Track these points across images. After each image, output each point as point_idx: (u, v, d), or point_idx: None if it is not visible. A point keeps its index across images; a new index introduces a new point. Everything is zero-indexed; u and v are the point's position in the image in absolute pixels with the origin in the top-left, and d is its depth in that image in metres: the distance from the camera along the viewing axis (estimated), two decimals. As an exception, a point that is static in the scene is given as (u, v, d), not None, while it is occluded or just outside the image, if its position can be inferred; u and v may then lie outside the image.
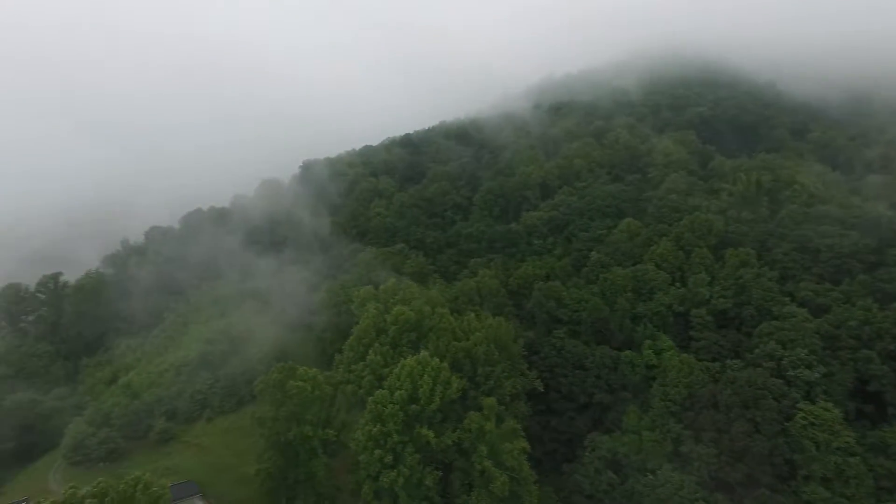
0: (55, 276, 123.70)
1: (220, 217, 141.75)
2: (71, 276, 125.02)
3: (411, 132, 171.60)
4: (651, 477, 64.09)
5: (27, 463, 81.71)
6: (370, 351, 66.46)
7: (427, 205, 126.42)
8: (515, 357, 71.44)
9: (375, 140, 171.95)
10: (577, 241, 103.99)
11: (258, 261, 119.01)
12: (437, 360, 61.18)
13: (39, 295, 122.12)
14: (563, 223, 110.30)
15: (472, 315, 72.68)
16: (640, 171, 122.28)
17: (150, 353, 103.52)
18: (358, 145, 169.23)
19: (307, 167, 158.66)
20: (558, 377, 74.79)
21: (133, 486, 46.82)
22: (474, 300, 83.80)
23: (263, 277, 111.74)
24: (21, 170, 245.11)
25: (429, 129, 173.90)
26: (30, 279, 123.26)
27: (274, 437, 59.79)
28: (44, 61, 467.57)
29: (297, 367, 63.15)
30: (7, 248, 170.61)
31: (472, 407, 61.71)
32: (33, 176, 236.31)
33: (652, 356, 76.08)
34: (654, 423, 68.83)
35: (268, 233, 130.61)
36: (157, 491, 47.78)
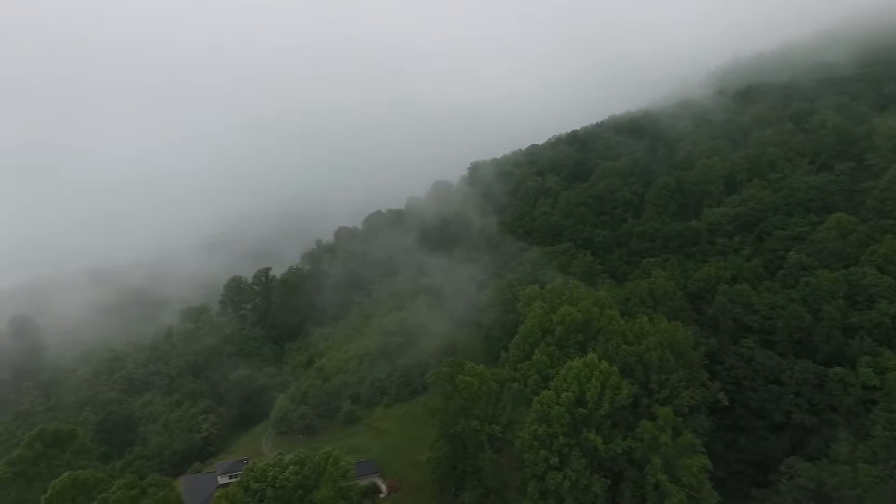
0: (266, 271, 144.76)
1: (396, 218, 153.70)
2: (278, 272, 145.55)
3: (578, 129, 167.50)
4: (870, 518, 54.06)
5: (247, 428, 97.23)
6: (536, 350, 66.17)
7: (595, 202, 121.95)
8: (694, 366, 65.62)
9: (541, 139, 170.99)
10: (770, 239, 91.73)
11: (430, 259, 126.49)
12: (606, 363, 58.78)
13: (255, 287, 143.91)
14: (753, 220, 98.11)
15: (645, 318, 68.31)
16: (855, 157, 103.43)
17: (338, 341, 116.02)
18: (524, 144, 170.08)
19: (475, 168, 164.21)
20: (746, 391, 66.92)
21: (325, 459, 53.02)
22: (647, 302, 78.71)
23: (435, 274, 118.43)
24: (240, 182, 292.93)
25: (596, 124, 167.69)
26: (248, 273, 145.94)
27: (444, 428, 62.53)
28: (260, 82, 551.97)
29: (465, 363, 65.57)
30: (231, 246, 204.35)
31: (645, 416, 58.11)
32: (249, 186, 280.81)
33: (871, 375, 64.00)
34: (875, 455, 57.89)
35: (439, 232, 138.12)
36: (345, 466, 53.55)
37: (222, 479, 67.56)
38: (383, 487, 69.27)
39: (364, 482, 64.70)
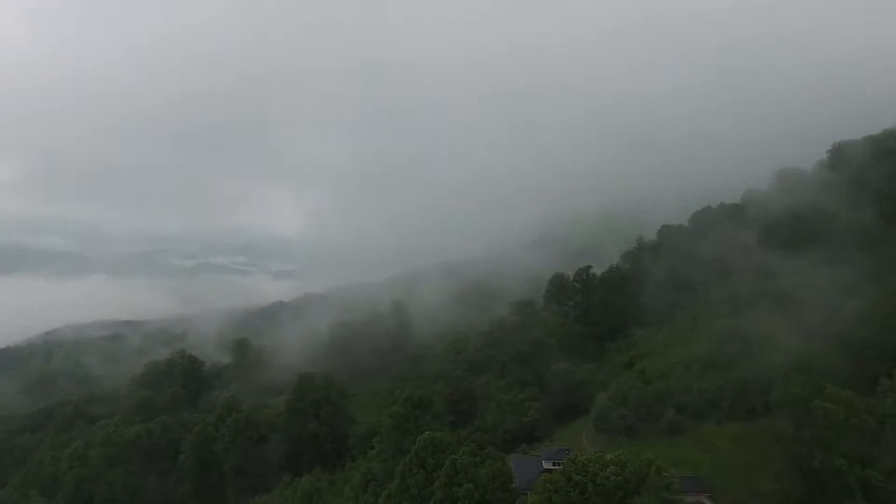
0: (586, 269, 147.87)
1: (731, 213, 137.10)
2: (598, 270, 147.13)
3: None
4: None
5: (568, 420, 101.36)
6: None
7: None
8: None
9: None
10: None
11: (775, 259, 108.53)
12: None
13: (576, 284, 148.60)
14: None
15: None
16: None
17: (662, 344, 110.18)
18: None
19: (839, 150, 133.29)
20: None
21: (647, 465, 50.99)
22: None
23: (782, 277, 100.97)
24: (567, 182, 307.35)
25: None
26: (570, 270, 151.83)
27: (793, 459, 53.08)
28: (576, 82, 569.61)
29: (824, 385, 54.01)
30: (556, 245, 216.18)
31: None
32: (576, 186, 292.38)
33: None
34: None
35: (786, 228, 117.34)
36: (668, 477, 50.40)
37: (546, 465, 71.74)
38: (714, 510, 62.63)
39: (691, 499, 59.69)
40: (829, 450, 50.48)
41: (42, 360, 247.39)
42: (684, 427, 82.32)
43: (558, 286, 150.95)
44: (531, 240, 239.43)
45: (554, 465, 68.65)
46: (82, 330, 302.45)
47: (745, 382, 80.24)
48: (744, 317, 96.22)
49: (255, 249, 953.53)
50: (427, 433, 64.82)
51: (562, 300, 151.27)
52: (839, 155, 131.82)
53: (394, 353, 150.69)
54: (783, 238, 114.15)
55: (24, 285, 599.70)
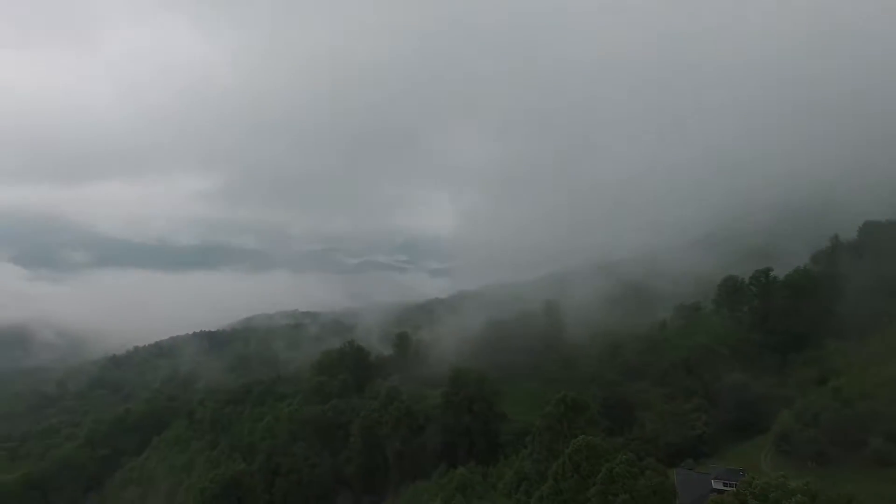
0: (765, 272, 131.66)
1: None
2: (780, 272, 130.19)
3: None
4: None
5: (741, 437, 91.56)
6: None
7: None
8: None
9: None
10: None
11: None
12: None
13: (752, 288, 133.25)
14: None
15: None
16: None
17: (864, 359, 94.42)
18: None
19: None
20: None
21: (846, 501, 44.15)
22: None
23: None
24: (734, 176, 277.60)
25: None
26: (743, 272, 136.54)
27: None
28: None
29: None
30: (725, 244, 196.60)
31: None
32: (745, 180, 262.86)
33: None
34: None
35: None
36: (874, 516, 43.14)
37: (716, 484, 65.71)
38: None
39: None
40: None
41: (241, 343, 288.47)
42: (894, 459, 69.74)
43: (731, 289, 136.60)
44: (694, 239, 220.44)
45: (725, 485, 62.66)
46: (272, 318, 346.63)
47: None
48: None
49: (414, 248, 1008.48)
50: (581, 437, 63.11)
51: (734, 305, 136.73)
52: None
53: (545, 353, 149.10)
54: None
55: (227, 278, 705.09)
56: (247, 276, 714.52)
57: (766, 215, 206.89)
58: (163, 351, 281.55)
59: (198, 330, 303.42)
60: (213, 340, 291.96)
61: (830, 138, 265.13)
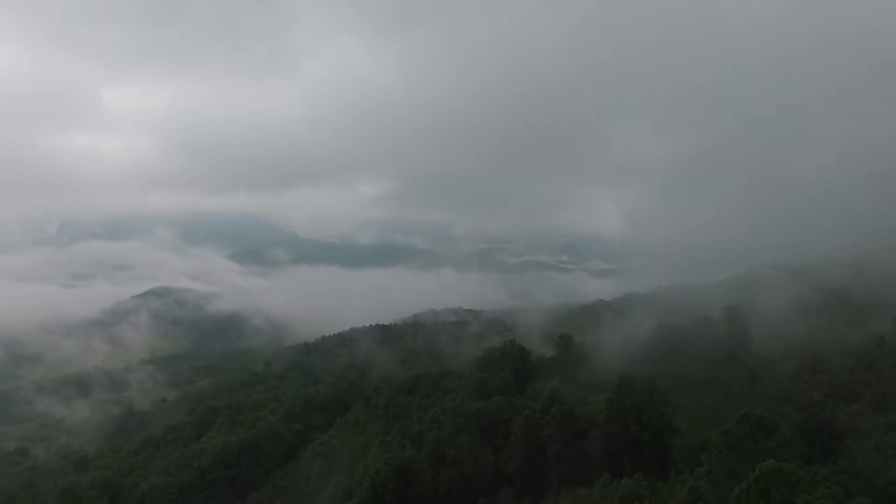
0: None
1: None
2: None
3: None
4: None
5: None
6: None
7: None
8: None
9: None
10: None
11: None
12: None
13: None
14: None
15: None
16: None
17: None
18: None
19: None
20: None
21: None
22: None
23: None
24: None
25: None
26: None
27: None
28: None
29: None
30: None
31: None
32: None
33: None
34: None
35: None
36: None
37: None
38: None
39: None
40: None
41: (410, 337, 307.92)
42: None
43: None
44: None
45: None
46: (438, 315, 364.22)
47: None
48: None
49: (577, 248, 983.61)
50: (771, 461, 55.91)
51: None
52: None
53: (725, 365, 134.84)
54: None
55: (399, 276, 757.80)
56: (416, 274, 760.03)
57: None
58: (343, 341, 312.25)
59: (373, 323, 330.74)
60: (386, 333, 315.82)
61: None
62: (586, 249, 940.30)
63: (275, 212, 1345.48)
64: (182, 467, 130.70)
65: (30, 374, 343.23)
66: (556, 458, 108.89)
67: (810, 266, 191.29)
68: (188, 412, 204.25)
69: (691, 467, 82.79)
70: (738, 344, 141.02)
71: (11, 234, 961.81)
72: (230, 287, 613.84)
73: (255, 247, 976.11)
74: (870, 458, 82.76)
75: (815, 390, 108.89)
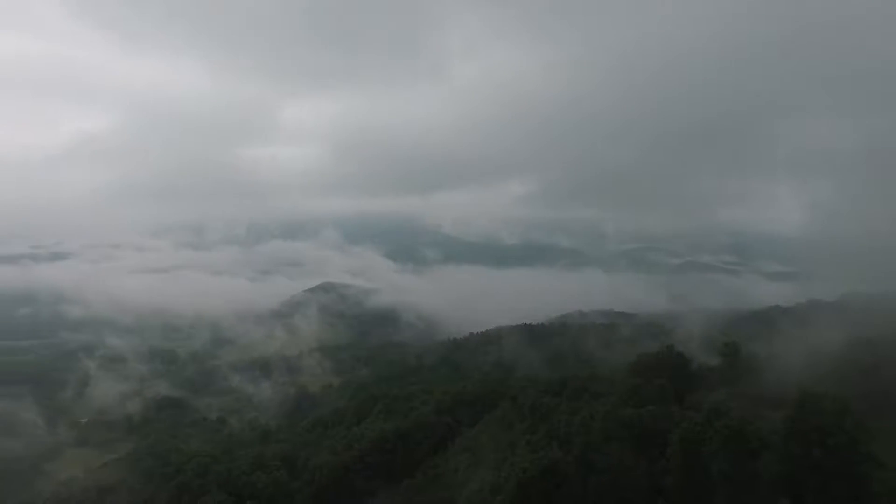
0: None
1: None
2: None
3: None
4: None
5: None
6: None
7: None
8: None
9: None
10: None
11: None
12: None
13: None
14: None
15: None
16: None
17: None
18: None
19: None
20: None
21: None
22: None
23: None
24: None
25: None
26: None
27: None
28: None
29: None
30: None
31: None
32: None
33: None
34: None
35: None
36: None
37: None
38: None
39: None
40: None
41: (556, 338, 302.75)
42: None
43: None
44: None
45: None
46: (586, 316, 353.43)
47: None
48: None
49: (746, 248, 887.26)
50: None
51: None
52: None
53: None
54: None
55: (544, 275, 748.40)
56: (562, 274, 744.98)
57: None
58: (490, 338, 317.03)
59: (519, 322, 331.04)
60: (532, 333, 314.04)
61: None
62: (757, 249, 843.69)
63: (426, 212, 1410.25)
64: (346, 448, 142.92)
65: (226, 356, 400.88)
66: (721, 475, 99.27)
67: None
68: (350, 398, 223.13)
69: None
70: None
71: (212, 234, 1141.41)
72: (386, 283, 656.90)
73: (409, 246, 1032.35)
74: None
75: None
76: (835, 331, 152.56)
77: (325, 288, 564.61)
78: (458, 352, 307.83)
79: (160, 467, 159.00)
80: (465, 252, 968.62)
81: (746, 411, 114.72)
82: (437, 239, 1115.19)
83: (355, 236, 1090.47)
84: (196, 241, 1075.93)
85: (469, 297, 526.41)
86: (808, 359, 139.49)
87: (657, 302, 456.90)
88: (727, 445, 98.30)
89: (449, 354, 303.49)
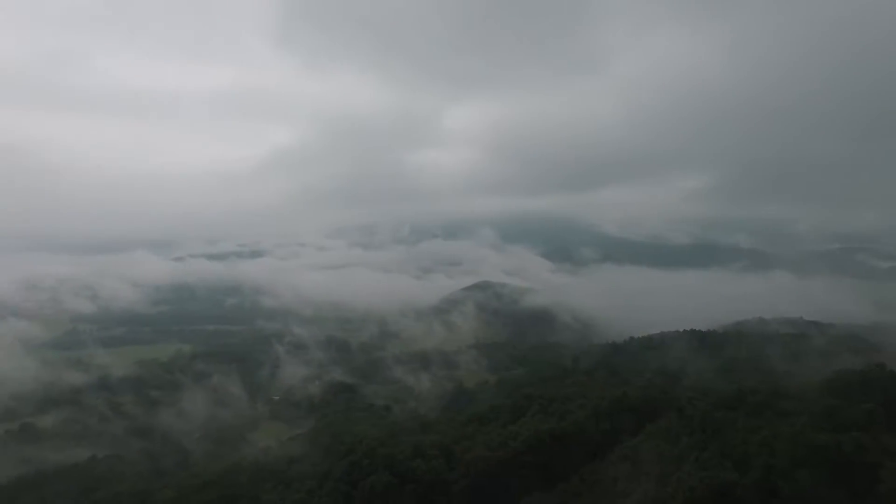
0: None
1: None
2: None
3: None
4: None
5: None
6: None
7: None
8: None
9: None
10: None
11: None
12: None
13: None
14: None
15: None
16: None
17: None
18: None
19: None
20: None
21: None
22: None
23: None
24: None
25: None
26: None
27: None
28: None
29: None
30: None
31: None
32: None
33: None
34: None
35: None
36: None
37: None
38: None
39: None
40: None
41: (731, 347, 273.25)
42: None
43: None
44: None
45: None
46: (767, 324, 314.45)
47: None
48: None
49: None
50: None
51: None
52: None
53: None
54: None
55: (718, 278, 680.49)
56: (740, 277, 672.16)
57: None
58: (653, 344, 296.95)
59: (686, 328, 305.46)
60: (702, 340, 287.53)
61: None
62: None
63: (582, 211, 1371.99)
64: (501, 445, 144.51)
65: (391, 348, 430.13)
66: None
67: None
68: (506, 396, 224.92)
69: None
70: None
71: (381, 235, 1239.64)
72: (542, 283, 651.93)
73: (564, 245, 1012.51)
74: None
75: None
76: None
77: (481, 286, 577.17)
78: (617, 356, 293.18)
79: (336, 445, 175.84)
80: (626, 251, 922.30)
81: None
82: (595, 238, 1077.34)
83: (512, 236, 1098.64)
84: (367, 241, 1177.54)
85: (630, 299, 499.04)
86: None
87: (861, 311, 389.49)
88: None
89: (607, 358, 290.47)
